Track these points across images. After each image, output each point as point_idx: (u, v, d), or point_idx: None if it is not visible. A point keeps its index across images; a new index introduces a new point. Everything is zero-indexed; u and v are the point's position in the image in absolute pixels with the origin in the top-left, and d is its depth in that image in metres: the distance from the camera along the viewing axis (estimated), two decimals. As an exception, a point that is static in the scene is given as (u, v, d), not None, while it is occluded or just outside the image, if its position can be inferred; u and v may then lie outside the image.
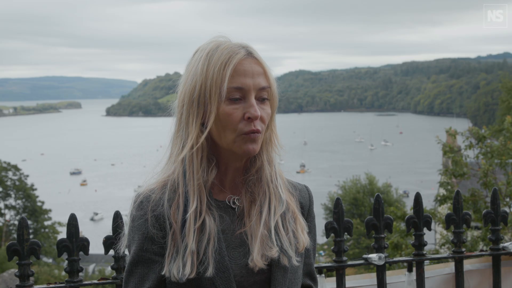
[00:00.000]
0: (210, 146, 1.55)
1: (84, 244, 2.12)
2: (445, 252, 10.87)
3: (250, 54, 1.54)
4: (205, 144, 1.53)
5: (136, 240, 1.53)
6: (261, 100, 1.54)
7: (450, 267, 2.64)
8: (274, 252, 1.52)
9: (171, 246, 1.49)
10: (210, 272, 1.46)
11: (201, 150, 1.53)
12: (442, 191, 10.93)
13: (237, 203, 1.59)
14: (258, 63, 1.55)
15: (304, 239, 1.60)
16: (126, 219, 1.73)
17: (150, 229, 1.51)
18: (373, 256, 2.43)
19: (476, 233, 10.51)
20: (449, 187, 10.59)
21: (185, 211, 1.50)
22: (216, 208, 1.55)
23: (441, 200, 10.39)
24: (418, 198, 2.51)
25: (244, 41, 1.57)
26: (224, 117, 1.50)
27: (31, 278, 2.11)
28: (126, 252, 1.60)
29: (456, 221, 2.56)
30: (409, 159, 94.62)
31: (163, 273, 1.49)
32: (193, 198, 1.50)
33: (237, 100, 1.51)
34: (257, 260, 1.50)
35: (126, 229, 1.59)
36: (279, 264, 1.54)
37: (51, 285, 2.16)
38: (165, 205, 1.52)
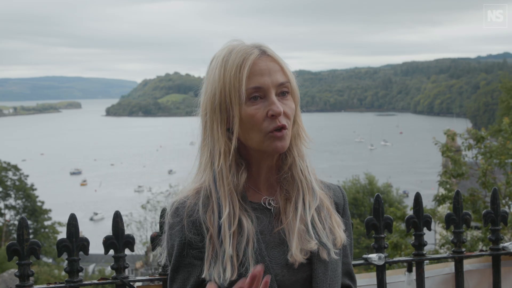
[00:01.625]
0: (238, 149, 1.56)
1: (84, 244, 2.12)
2: (444, 252, 10.87)
3: (264, 53, 1.54)
4: (232, 149, 1.53)
5: (175, 246, 1.54)
6: (282, 95, 1.54)
7: (450, 267, 2.64)
8: (313, 245, 1.52)
9: (209, 250, 1.50)
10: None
11: (228, 155, 1.53)
12: (442, 191, 10.94)
13: (272, 203, 1.59)
14: (273, 60, 1.54)
15: (342, 235, 1.60)
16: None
17: (187, 234, 1.52)
18: (373, 256, 2.43)
19: (475, 233, 10.51)
20: (448, 186, 10.59)
21: (220, 217, 1.51)
22: (252, 210, 1.55)
23: (440, 200, 10.39)
24: (418, 198, 2.51)
25: (258, 41, 1.57)
26: (248, 119, 1.51)
27: (31, 278, 2.10)
28: (164, 259, 1.61)
29: (456, 221, 2.55)
30: (409, 159, 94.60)
31: (203, 276, 1.50)
32: (225, 203, 1.51)
33: (258, 100, 1.51)
34: (296, 254, 1.51)
35: (164, 237, 1.60)
36: (319, 259, 1.54)
37: (51, 285, 2.16)
38: (201, 210, 1.53)
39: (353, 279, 1.72)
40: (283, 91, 1.54)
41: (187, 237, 1.52)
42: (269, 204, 1.59)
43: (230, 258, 1.47)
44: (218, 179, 1.52)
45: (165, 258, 1.62)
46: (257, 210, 1.56)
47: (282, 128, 1.51)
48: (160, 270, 2.24)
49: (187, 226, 1.52)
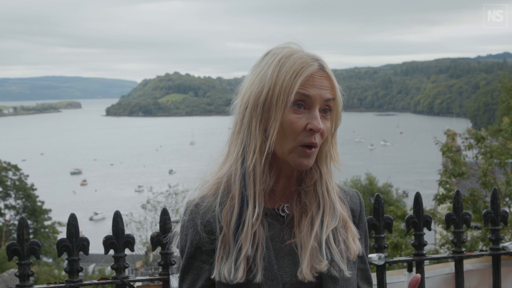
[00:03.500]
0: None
1: (84, 244, 2.12)
2: (445, 252, 10.87)
3: (322, 68, 1.54)
4: (267, 150, 1.51)
5: (187, 248, 1.55)
6: (323, 112, 1.54)
7: (450, 267, 2.64)
8: (323, 266, 1.50)
9: (221, 249, 1.50)
10: (258, 278, 1.46)
11: (263, 155, 1.51)
12: (442, 190, 10.94)
13: (286, 211, 1.57)
14: (328, 78, 1.54)
15: (355, 247, 1.58)
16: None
17: (199, 236, 1.52)
18: (373, 256, 2.43)
19: (475, 233, 10.51)
20: (448, 185, 10.59)
21: (240, 214, 1.50)
22: (265, 215, 1.54)
23: (440, 199, 10.39)
24: (418, 198, 2.51)
25: (317, 54, 1.56)
26: (287, 125, 1.49)
27: (31, 278, 2.10)
28: (176, 251, 1.62)
29: (456, 221, 2.55)
30: (409, 159, 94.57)
31: (212, 277, 1.50)
32: (252, 203, 1.50)
33: (301, 109, 1.50)
34: (306, 273, 1.49)
35: (178, 229, 1.61)
36: (330, 276, 1.53)
37: (51, 285, 2.16)
38: (217, 208, 1.52)
39: (370, 284, 1.71)
40: (326, 109, 1.54)
41: (198, 240, 1.52)
42: (283, 211, 1.57)
43: (246, 257, 1.46)
44: (249, 177, 1.51)
45: (175, 245, 1.62)
46: (269, 216, 1.55)
47: (313, 146, 1.51)
48: (160, 270, 2.24)
49: (200, 227, 1.52)
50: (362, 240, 1.66)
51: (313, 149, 1.52)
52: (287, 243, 1.53)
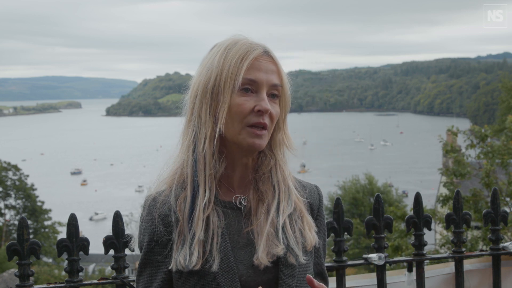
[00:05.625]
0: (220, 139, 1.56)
1: (84, 244, 2.12)
2: (445, 252, 10.86)
3: (266, 53, 1.57)
4: (218, 135, 1.53)
5: (145, 242, 1.56)
6: (271, 97, 1.56)
7: (450, 267, 2.64)
8: (280, 250, 1.52)
9: (178, 239, 1.51)
10: (214, 268, 1.47)
11: (213, 140, 1.53)
12: (445, 191, 10.90)
13: (243, 203, 1.58)
14: (273, 62, 1.57)
15: (312, 238, 1.60)
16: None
17: (156, 229, 1.53)
18: (373, 256, 2.43)
19: (476, 233, 10.50)
20: (452, 187, 10.55)
21: (193, 201, 1.51)
22: (222, 208, 1.55)
23: (443, 201, 10.36)
24: (418, 198, 2.51)
25: (261, 41, 1.60)
26: (235, 108, 1.52)
27: (31, 278, 2.11)
28: (137, 251, 1.63)
29: (456, 221, 2.56)
30: (409, 159, 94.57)
31: (170, 268, 1.50)
32: (203, 187, 1.52)
33: (249, 93, 1.53)
34: (262, 257, 1.50)
35: (137, 230, 1.62)
36: (286, 263, 1.54)
37: (51, 285, 2.16)
38: (172, 199, 1.53)
39: (325, 279, 1.72)
40: (274, 93, 1.57)
41: (156, 233, 1.53)
42: (240, 203, 1.58)
43: (199, 242, 1.47)
44: (199, 163, 1.52)
45: (136, 244, 1.63)
46: (227, 208, 1.56)
47: (263, 127, 1.53)
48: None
49: (157, 220, 1.53)
50: (320, 234, 1.66)
51: (264, 130, 1.53)
52: (245, 232, 1.54)
